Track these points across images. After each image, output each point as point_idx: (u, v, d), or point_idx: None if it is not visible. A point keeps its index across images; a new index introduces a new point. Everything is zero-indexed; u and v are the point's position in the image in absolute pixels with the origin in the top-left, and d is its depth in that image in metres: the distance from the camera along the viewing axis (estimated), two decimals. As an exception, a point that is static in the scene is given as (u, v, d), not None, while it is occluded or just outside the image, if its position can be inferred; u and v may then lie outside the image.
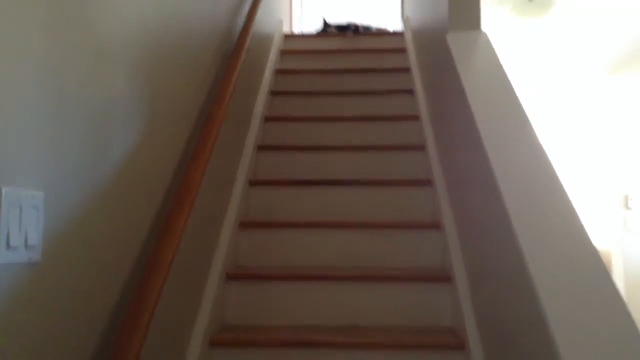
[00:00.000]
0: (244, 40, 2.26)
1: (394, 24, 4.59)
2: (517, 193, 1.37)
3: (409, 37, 3.84)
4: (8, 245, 0.83)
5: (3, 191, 0.82)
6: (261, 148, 2.86)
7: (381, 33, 4.20)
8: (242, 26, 2.47)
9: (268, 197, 2.59)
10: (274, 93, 3.38)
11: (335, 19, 4.39)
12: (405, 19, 4.14)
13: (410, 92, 3.31)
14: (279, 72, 3.62)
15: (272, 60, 3.58)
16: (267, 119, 3.11)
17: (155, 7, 1.46)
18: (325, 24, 4.29)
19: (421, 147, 2.80)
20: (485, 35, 2.14)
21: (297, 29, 4.97)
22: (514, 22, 3.80)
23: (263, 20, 3.41)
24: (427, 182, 2.56)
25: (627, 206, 4.72)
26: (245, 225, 2.36)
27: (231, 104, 2.38)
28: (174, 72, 1.62)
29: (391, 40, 4.11)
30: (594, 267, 1.16)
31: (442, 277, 2.04)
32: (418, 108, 3.06)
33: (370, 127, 3.04)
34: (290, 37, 4.20)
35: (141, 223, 1.37)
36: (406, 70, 3.57)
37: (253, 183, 2.61)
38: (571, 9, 3.64)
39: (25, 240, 0.87)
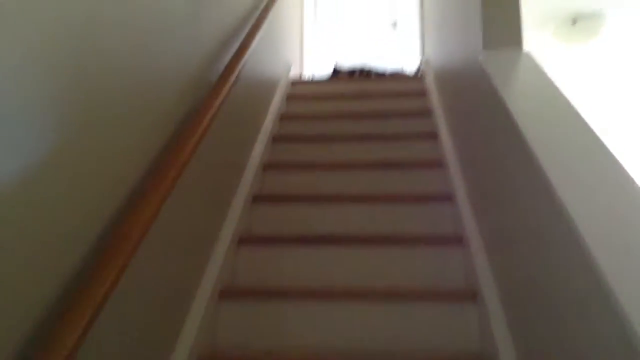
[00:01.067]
0: (220, 88, 1.83)
1: (412, 68, 4.23)
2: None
3: (430, 79, 3.46)
4: None
5: None
6: (258, 199, 2.41)
7: (397, 76, 3.83)
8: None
9: (262, 259, 2.11)
10: (276, 139, 2.97)
11: (349, 64, 4.05)
12: (425, 61, 3.78)
13: (433, 136, 2.87)
14: (284, 118, 3.24)
15: (275, 105, 3.20)
16: (267, 166, 2.68)
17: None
18: (335, 70, 3.95)
19: (448, 197, 2.33)
20: (528, 54, 1.71)
21: (308, 74, 4.65)
22: (557, 47, 3.37)
23: (265, 64, 3.06)
24: (458, 240, 2.07)
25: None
26: (227, 294, 1.87)
27: (213, 153, 1.96)
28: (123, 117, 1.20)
29: (409, 83, 3.73)
30: None
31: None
32: (443, 154, 2.61)
33: (387, 176, 2.59)
34: (297, 83, 3.86)
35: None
36: (427, 113, 3.15)
37: (244, 241, 2.13)
38: (621, 32, 3.20)
39: None
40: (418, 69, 4.00)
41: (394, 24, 4.79)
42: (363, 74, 3.79)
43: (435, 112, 2.99)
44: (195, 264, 1.72)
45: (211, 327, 1.76)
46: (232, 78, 1.93)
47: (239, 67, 2.03)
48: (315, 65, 4.66)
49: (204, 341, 1.68)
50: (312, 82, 3.85)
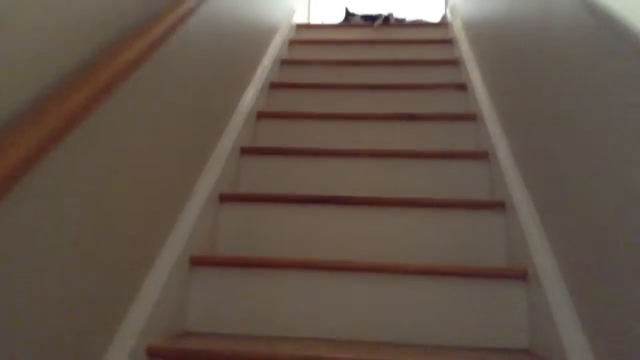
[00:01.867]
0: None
1: (434, 17, 3.73)
2: None
3: (457, 27, 2.96)
4: None
5: None
6: (248, 152, 1.96)
7: (419, 24, 3.33)
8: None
9: (249, 220, 1.67)
10: (275, 86, 2.50)
11: (361, 10, 3.55)
12: (451, 9, 3.27)
13: (462, 87, 2.40)
14: (286, 63, 2.77)
15: (274, 50, 2.73)
16: (262, 115, 2.23)
17: None
18: (348, 14, 3.45)
19: (484, 155, 1.88)
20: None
21: (315, 21, 4.13)
22: None
23: (258, 3, 2.58)
24: (499, 205, 1.62)
25: None
26: (204, 262, 1.44)
27: (185, 96, 1.51)
28: None
29: (433, 32, 3.24)
30: None
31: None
32: (478, 106, 2.14)
33: (408, 130, 2.13)
34: (303, 27, 3.37)
35: None
36: (454, 63, 2.67)
37: (226, 198, 1.70)
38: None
39: None
40: (443, 17, 3.50)
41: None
42: (380, 20, 3.29)
43: (467, 62, 2.50)
44: (160, 231, 1.29)
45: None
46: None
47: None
48: (323, 11, 4.14)
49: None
50: (321, 27, 3.36)
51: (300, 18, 3.58)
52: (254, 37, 2.39)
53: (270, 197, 1.70)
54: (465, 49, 2.62)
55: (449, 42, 2.97)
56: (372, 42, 2.98)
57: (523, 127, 1.61)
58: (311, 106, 2.42)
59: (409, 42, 2.97)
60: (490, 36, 2.13)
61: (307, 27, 3.37)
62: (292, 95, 2.47)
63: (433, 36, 3.13)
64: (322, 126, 2.18)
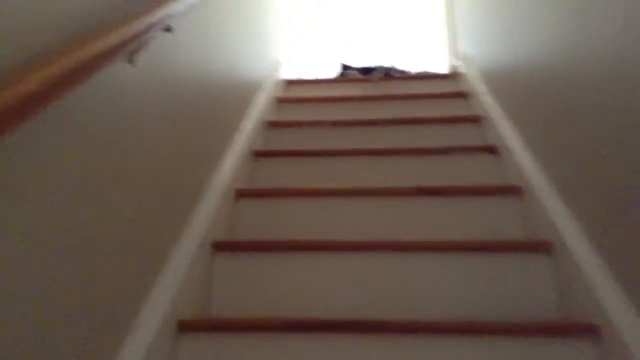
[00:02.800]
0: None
1: (437, 67, 3.31)
2: None
3: (473, 77, 2.53)
4: None
5: None
6: (222, 248, 1.45)
7: (425, 76, 2.90)
8: None
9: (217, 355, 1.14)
10: (259, 154, 2.02)
11: (358, 62, 3.13)
12: (462, 56, 2.85)
13: (492, 150, 1.93)
14: (272, 125, 2.30)
15: (257, 110, 2.27)
16: (242, 194, 1.73)
17: None
18: (344, 67, 3.03)
19: (545, 246, 1.37)
20: None
21: (305, 75, 3.72)
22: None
23: (237, 57, 2.16)
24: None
25: None
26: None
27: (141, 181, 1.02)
28: None
29: (442, 84, 2.80)
30: None
31: None
32: (521, 176, 1.66)
33: (432, 209, 1.63)
34: (292, 82, 2.93)
35: None
36: (474, 120, 2.22)
37: (189, 327, 1.17)
38: None
39: None
40: (452, 68, 3.08)
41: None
42: (382, 73, 2.86)
43: (494, 119, 2.04)
44: None
45: None
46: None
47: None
48: (315, 64, 3.74)
49: None
50: (312, 82, 2.93)
51: (288, 72, 3.15)
52: (230, 96, 1.93)
53: (248, 324, 1.17)
54: (489, 104, 2.16)
55: (463, 95, 2.52)
56: (373, 99, 2.54)
57: (614, 211, 1.11)
58: (304, 179, 1.92)
59: (416, 97, 2.52)
60: (535, 87, 1.67)
61: (297, 83, 2.93)
62: (281, 166, 1.99)
63: (444, 89, 2.70)
64: (319, 206, 1.68)
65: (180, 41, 1.38)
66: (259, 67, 2.46)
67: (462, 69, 2.81)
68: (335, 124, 2.26)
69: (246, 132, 2.02)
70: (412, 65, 3.27)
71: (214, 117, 1.68)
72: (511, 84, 1.94)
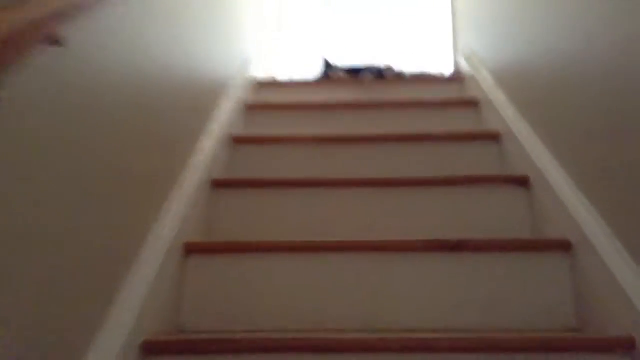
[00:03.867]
0: None
1: (439, 68, 2.86)
2: None
3: (485, 80, 2.08)
4: None
5: None
6: (155, 351, 0.98)
7: (425, 79, 2.45)
8: None
9: None
10: (220, 184, 1.54)
11: (344, 61, 2.65)
12: (468, 57, 2.40)
13: (523, 182, 1.49)
14: (239, 142, 1.81)
15: (220, 122, 1.78)
16: (193, 250, 1.25)
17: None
18: (328, 66, 2.55)
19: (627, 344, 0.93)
20: None
21: (282, 76, 3.21)
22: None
23: (191, 53, 1.67)
24: None
25: None
26: None
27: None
28: None
29: (445, 89, 2.35)
30: None
31: None
32: (575, 225, 1.22)
33: (460, 273, 1.19)
34: (266, 84, 2.44)
35: None
36: (493, 138, 1.77)
37: None
38: None
39: None
40: (456, 69, 2.63)
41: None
42: (373, 74, 2.39)
43: (521, 139, 1.60)
44: None
45: None
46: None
47: None
48: (293, 63, 3.24)
49: None
50: (290, 85, 2.45)
51: (260, 72, 2.66)
52: (182, 105, 1.44)
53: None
54: (511, 118, 1.71)
55: (473, 104, 2.08)
56: (365, 107, 2.08)
57: None
58: (279, 221, 1.46)
59: (416, 106, 2.07)
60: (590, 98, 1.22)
61: (271, 85, 2.45)
62: (248, 201, 1.51)
63: (447, 95, 2.25)
64: (300, 267, 1.22)
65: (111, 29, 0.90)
66: (223, 65, 1.97)
67: (468, 69, 2.36)
68: (318, 140, 1.80)
69: (203, 155, 1.53)
70: (407, 64, 2.80)
71: (155, 136, 1.20)
72: (545, 92, 1.48)
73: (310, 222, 1.45)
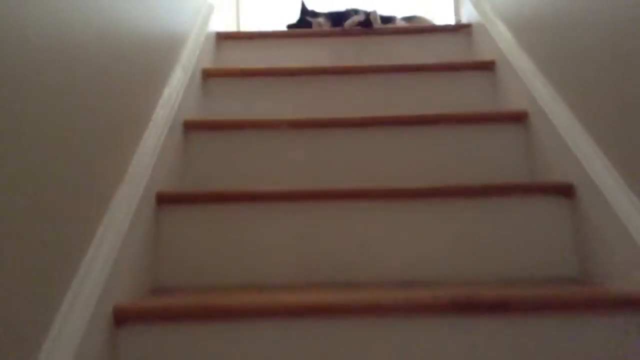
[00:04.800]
0: None
1: (439, 15, 2.41)
2: None
3: (497, 34, 1.68)
4: None
5: None
6: None
7: (421, 29, 2.01)
8: None
9: None
10: (171, 200, 1.16)
11: (326, 6, 2.18)
12: (475, 1, 1.95)
13: (566, 191, 1.14)
14: (195, 128, 1.42)
15: (170, 98, 1.37)
16: (126, 320, 0.90)
17: None
18: (305, 12, 2.08)
19: None
20: None
21: (250, 25, 2.71)
22: None
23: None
24: None
25: None
26: None
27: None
28: None
29: (447, 43, 1.93)
30: None
31: None
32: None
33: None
34: (230, 38, 1.98)
35: None
36: (516, 118, 1.41)
37: None
38: None
39: None
40: (457, 17, 2.19)
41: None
42: (358, 21, 1.94)
43: (550, 117, 1.24)
44: None
45: None
46: None
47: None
48: (264, 8, 2.71)
49: None
50: (259, 37, 1.99)
51: (223, 21, 2.18)
52: (111, 77, 1.02)
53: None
54: (540, 89, 1.34)
55: (488, 67, 1.68)
56: (352, 72, 1.66)
57: None
58: (254, 260, 1.12)
59: (418, 70, 1.67)
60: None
61: (236, 38, 1.99)
62: (212, 225, 1.15)
63: (457, 54, 1.85)
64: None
65: None
66: (175, 15, 1.52)
67: (474, 16, 1.93)
68: (294, 124, 1.41)
69: (147, 155, 1.14)
70: (395, 7, 2.35)
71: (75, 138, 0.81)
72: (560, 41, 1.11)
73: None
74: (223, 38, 1.95)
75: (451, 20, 2.21)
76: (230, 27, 2.40)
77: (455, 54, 1.89)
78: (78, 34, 0.87)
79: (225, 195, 1.17)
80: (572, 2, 1.20)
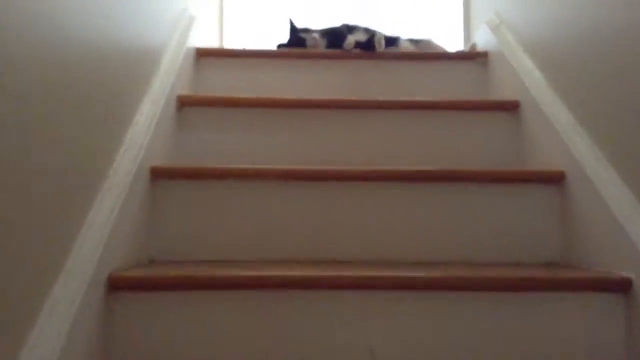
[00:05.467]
0: None
1: (446, 40, 2.18)
2: None
3: (522, 68, 1.46)
4: None
5: None
6: None
7: (431, 56, 1.77)
8: None
9: None
10: (131, 287, 0.91)
11: (319, 22, 1.93)
12: (495, 27, 1.72)
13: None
14: (163, 175, 1.16)
15: (139, 136, 1.11)
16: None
17: None
18: (295, 30, 1.82)
19: None
20: None
21: (234, 41, 2.43)
22: None
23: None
24: None
25: None
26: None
27: None
28: None
29: (462, 74, 1.71)
30: None
31: None
32: None
33: None
34: (212, 55, 1.71)
35: None
36: (548, 180, 1.18)
37: None
38: None
39: None
40: (469, 42, 1.97)
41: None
42: (353, 42, 1.69)
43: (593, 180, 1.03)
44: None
45: None
46: None
47: None
48: (252, 23, 2.42)
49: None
50: (245, 56, 1.72)
51: (204, 33, 1.91)
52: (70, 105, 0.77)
53: None
54: (581, 149, 1.12)
55: (506, 107, 1.46)
56: (353, 106, 1.42)
57: None
58: None
59: (428, 108, 1.44)
60: None
61: (219, 55, 1.72)
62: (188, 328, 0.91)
63: (465, 86, 1.62)
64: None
65: None
66: (146, 28, 1.25)
67: (492, 44, 1.70)
68: (287, 174, 1.17)
69: (102, 215, 0.89)
70: (397, 25, 2.11)
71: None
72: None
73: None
74: (204, 55, 1.69)
75: (460, 43, 1.98)
76: (212, 41, 2.13)
77: (470, 87, 1.67)
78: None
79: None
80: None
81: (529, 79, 1.41)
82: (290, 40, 1.79)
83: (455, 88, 1.65)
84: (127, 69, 1.10)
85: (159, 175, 1.15)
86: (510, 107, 1.45)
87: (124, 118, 1.09)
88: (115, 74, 1.03)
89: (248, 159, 1.35)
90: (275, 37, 2.05)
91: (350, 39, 1.72)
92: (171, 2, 1.52)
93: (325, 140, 1.38)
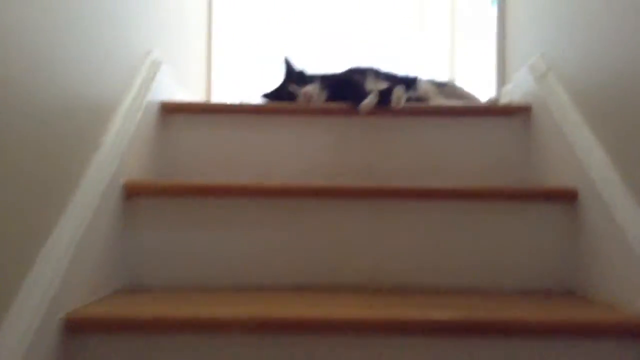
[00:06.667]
0: None
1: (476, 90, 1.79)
2: None
3: (579, 140, 1.09)
4: None
5: None
6: None
7: (459, 110, 1.40)
8: None
9: None
10: None
11: (320, 68, 1.54)
12: (540, 73, 1.34)
13: None
14: (96, 329, 0.83)
15: (52, 279, 0.79)
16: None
17: None
18: (291, 75, 1.45)
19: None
20: None
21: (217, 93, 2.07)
22: None
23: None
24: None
25: None
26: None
27: None
28: None
29: (498, 134, 1.34)
30: None
31: None
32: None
33: None
34: (182, 110, 1.36)
35: None
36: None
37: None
38: None
39: None
40: (501, 90, 1.59)
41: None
42: (374, 99, 1.32)
43: None
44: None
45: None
46: None
47: None
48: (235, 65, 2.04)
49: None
50: (223, 112, 1.37)
51: (173, 84, 1.54)
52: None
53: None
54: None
55: (561, 196, 1.10)
56: (363, 194, 1.08)
57: None
58: None
59: (467, 198, 1.09)
60: None
61: (189, 111, 1.37)
62: None
63: (505, 154, 1.27)
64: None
65: None
66: (89, 80, 0.91)
67: (538, 97, 1.33)
68: (258, 326, 0.83)
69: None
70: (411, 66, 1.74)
71: None
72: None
73: None
74: (171, 111, 1.34)
75: (486, 88, 1.61)
76: (198, 94, 1.80)
77: (511, 154, 1.31)
78: None
79: None
80: None
81: (589, 160, 1.05)
82: (278, 88, 1.42)
83: (493, 154, 1.30)
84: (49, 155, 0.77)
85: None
86: (566, 196, 1.09)
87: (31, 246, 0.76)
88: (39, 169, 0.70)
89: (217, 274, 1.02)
90: (262, 68, 1.69)
91: (372, 100, 1.32)
92: (126, 44, 1.18)
93: (313, 242, 1.04)
